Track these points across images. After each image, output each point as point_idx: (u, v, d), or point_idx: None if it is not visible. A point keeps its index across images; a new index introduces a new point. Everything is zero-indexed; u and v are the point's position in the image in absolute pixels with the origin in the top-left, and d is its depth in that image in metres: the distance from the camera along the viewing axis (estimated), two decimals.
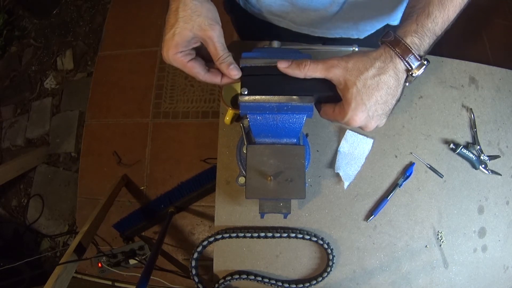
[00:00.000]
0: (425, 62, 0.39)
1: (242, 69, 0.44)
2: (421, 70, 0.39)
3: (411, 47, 0.38)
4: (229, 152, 0.64)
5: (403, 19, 0.42)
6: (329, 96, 0.43)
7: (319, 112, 0.46)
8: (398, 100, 0.42)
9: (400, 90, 0.41)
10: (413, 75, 0.40)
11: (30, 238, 1.62)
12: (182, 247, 1.45)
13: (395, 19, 0.67)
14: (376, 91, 0.39)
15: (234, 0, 0.70)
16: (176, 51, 0.42)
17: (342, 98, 0.41)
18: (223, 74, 0.46)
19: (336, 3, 0.58)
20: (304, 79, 0.42)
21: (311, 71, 0.41)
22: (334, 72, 0.40)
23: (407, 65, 0.39)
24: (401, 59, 0.39)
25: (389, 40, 0.39)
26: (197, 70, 0.44)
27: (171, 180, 1.49)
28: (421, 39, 0.39)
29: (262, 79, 0.44)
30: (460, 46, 1.58)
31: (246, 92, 0.42)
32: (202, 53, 0.46)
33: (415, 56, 0.39)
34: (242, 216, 0.62)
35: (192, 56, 0.44)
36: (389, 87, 0.39)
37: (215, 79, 0.46)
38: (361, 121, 0.41)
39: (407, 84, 0.42)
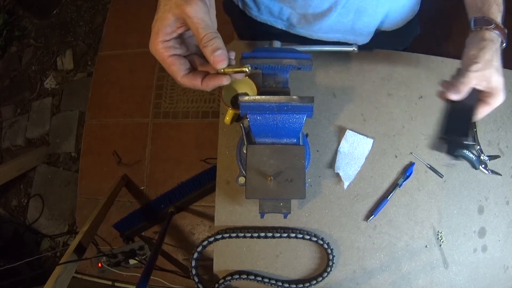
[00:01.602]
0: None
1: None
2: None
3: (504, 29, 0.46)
4: (229, 152, 0.64)
5: (471, 5, 0.49)
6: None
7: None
8: None
9: None
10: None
11: (30, 238, 1.62)
12: (182, 247, 1.45)
13: (390, 26, 0.67)
14: (499, 63, 0.45)
15: (233, 2, 0.70)
16: (156, 39, 0.36)
17: (488, 91, 0.45)
18: (205, 76, 0.38)
19: (333, 7, 0.58)
20: None
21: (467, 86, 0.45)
22: (487, 77, 0.44)
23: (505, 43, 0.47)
24: (503, 40, 0.47)
25: (491, 28, 0.45)
26: (176, 68, 0.37)
27: (171, 180, 1.49)
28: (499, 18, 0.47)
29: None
30: (461, 46, 1.57)
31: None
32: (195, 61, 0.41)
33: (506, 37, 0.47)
34: (242, 216, 0.62)
35: (175, 51, 0.37)
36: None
37: (195, 81, 0.38)
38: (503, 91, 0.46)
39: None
